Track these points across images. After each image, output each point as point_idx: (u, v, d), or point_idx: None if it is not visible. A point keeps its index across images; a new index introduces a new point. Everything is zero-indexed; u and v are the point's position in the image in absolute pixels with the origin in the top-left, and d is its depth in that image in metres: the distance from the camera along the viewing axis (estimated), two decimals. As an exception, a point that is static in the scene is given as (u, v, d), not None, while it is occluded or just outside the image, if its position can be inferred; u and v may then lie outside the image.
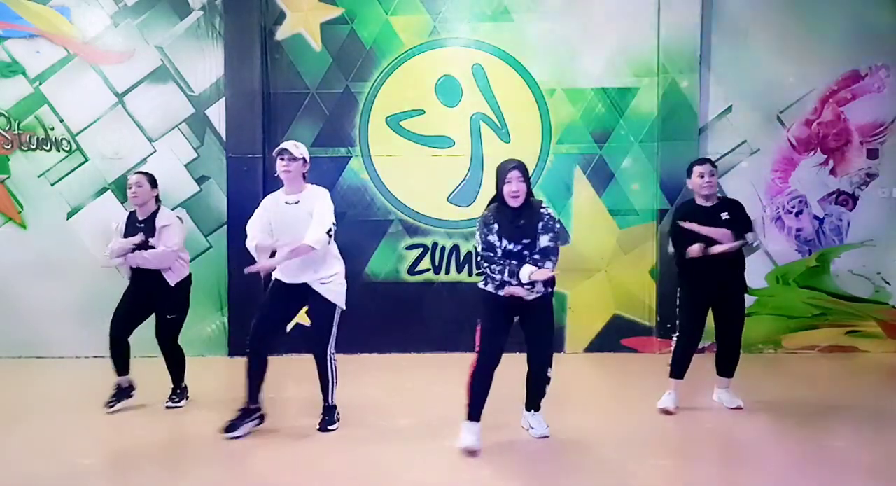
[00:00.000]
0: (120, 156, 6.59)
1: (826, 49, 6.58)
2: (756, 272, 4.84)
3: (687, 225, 4.52)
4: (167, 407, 4.91)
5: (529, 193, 4.05)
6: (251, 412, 4.37)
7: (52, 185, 6.60)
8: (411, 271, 6.72)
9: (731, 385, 4.87)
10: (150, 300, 4.82)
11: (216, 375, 6.05)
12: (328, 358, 4.35)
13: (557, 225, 4.12)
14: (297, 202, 4.34)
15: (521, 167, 4.03)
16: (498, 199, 4.08)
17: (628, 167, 6.64)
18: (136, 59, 6.58)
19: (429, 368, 6.18)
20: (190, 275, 4.94)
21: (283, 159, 4.32)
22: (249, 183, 6.48)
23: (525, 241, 4.01)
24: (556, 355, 4.20)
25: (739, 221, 4.61)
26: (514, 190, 3.98)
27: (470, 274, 6.69)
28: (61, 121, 6.57)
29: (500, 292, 4.04)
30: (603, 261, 6.59)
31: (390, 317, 6.62)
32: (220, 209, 6.60)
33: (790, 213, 6.67)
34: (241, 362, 6.29)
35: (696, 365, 4.81)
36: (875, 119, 6.63)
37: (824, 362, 6.35)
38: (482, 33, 6.64)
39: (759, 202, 6.57)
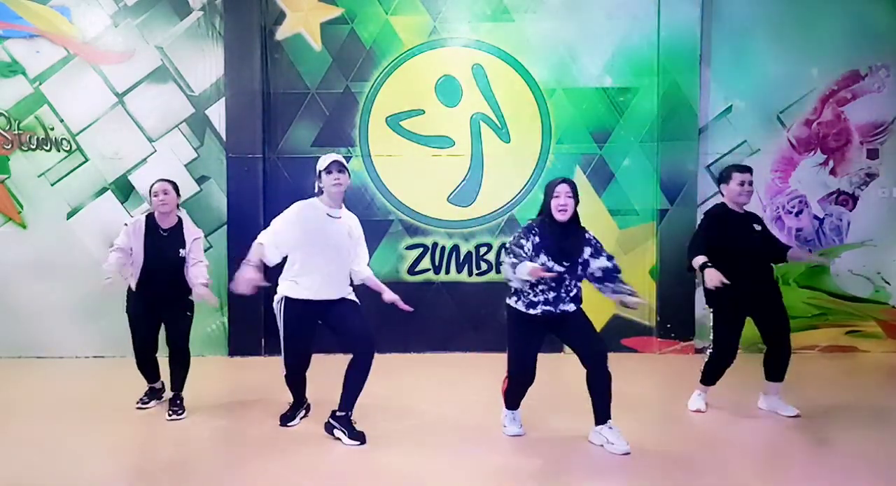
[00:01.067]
0: (120, 156, 6.59)
1: (826, 49, 6.58)
2: (756, 272, 4.81)
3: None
4: (169, 419, 4.67)
5: (576, 213, 4.07)
6: (300, 404, 4.62)
7: (52, 185, 6.60)
8: (411, 271, 6.72)
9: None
10: (160, 305, 4.75)
11: (216, 375, 6.05)
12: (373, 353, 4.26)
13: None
14: (339, 218, 4.28)
15: (570, 183, 4.06)
16: (544, 213, 4.09)
17: (628, 167, 6.64)
18: (136, 59, 6.58)
19: (429, 368, 6.18)
20: None
21: (330, 173, 4.12)
22: (249, 183, 6.49)
23: (566, 263, 4.03)
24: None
25: (773, 239, 4.75)
26: (562, 203, 3.99)
27: (470, 274, 6.69)
28: (61, 121, 6.57)
29: (532, 311, 4.04)
30: (603, 261, 6.57)
31: (390, 317, 6.57)
32: (220, 209, 6.60)
33: (790, 213, 6.67)
34: (241, 362, 6.42)
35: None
36: (875, 119, 6.63)
37: (824, 362, 6.35)
38: (482, 33, 6.64)
39: (760, 202, 6.56)
